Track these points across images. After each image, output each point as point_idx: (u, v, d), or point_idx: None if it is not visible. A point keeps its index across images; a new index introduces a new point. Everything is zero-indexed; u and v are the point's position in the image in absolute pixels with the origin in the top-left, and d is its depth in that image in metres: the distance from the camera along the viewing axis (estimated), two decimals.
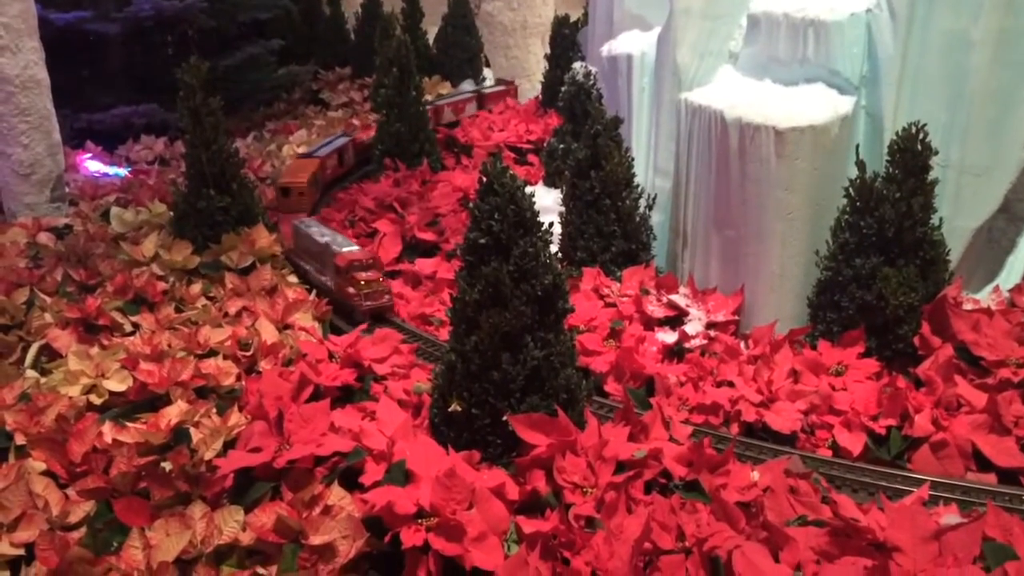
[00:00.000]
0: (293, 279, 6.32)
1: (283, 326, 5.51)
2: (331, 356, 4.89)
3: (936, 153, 4.80)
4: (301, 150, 9.64)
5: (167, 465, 4.04)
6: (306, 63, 13.62)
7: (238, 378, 4.93)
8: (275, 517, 3.51)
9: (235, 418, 4.37)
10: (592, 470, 3.70)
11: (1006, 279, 5.52)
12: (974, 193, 5.32)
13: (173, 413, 4.41)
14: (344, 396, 4.58)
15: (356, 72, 13.09)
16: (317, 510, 3.56)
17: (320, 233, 6.16)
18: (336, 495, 3.61)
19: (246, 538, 3.57)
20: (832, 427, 4.33)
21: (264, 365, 4.99)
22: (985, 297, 5.18)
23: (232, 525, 3.61)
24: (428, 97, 10.80)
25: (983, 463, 3.99)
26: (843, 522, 3.27)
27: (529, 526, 3.40)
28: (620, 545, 3.19)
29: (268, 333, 5.24)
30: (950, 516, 3.33)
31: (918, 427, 4.14)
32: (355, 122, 10.63)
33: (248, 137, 11.00)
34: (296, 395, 4.37)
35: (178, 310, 5.78)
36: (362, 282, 5.57)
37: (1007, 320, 4.79)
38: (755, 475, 3.73)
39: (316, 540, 3.40)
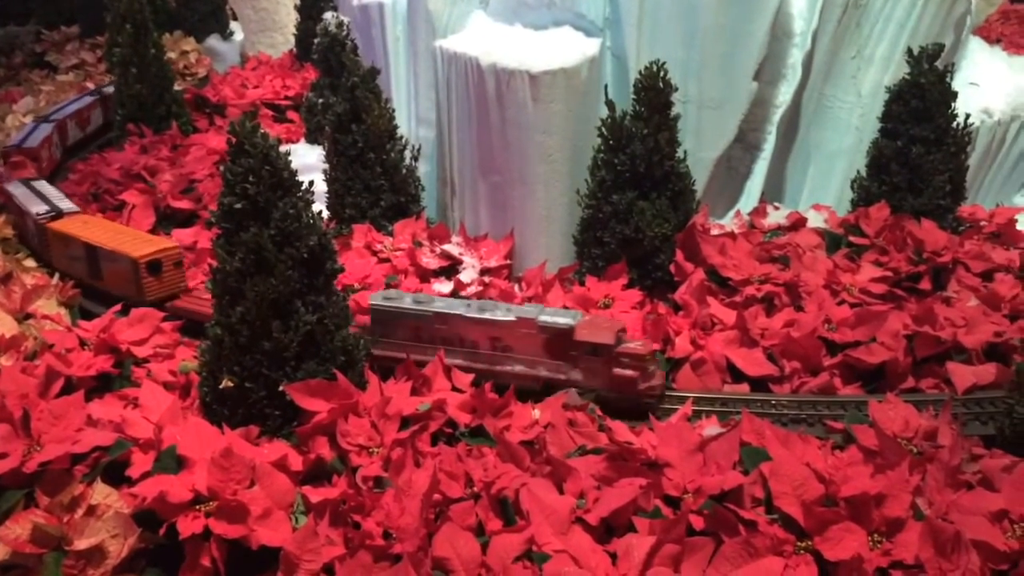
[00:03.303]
0: (30, 263, 5.71)
1: (23, 316, 4.98)
2: (83, 344, 4.48)
3: (676, 89, 5.07)
4: (28, 120, 8.69)
5: None
6: (26, 23, 12.21)
7: None
8: (31, 526, 3.19)
9: None
10: (377, 429, 3.66)
11: (745, 203, 5.99)
12: (712, 125, 5.70)
13: None
14: (102, 385, 4.22)
15: (85, 30, 11.91)
16: (79, 512, 3.26)
17: (491, 306, 4.23)
18: (100, 493, 3.32)
19: None
20: None
21: (3, 361, 4.48)
22: (729, 222, 5.60)
23: None
24: (171, 55, 10.04)
25: (737, 375, 4.34)
26: (618, 446, 3.45)
27: (316, 495, 3.32)
28: (410, 501, 3.18)
29: (5, 326, 4.71)
30: (711, 428, 3.61)
31: (679, 348, 4.42)
32: (88, 84, 9.72)
33: None
34: (44, 391, 3.97)
35: None
36: (647, 356, 3.98)
37: (748, 241, 5.22)
38: (536, 413, 3.85)
39: (81, 544, 3.13)
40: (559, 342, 4.03)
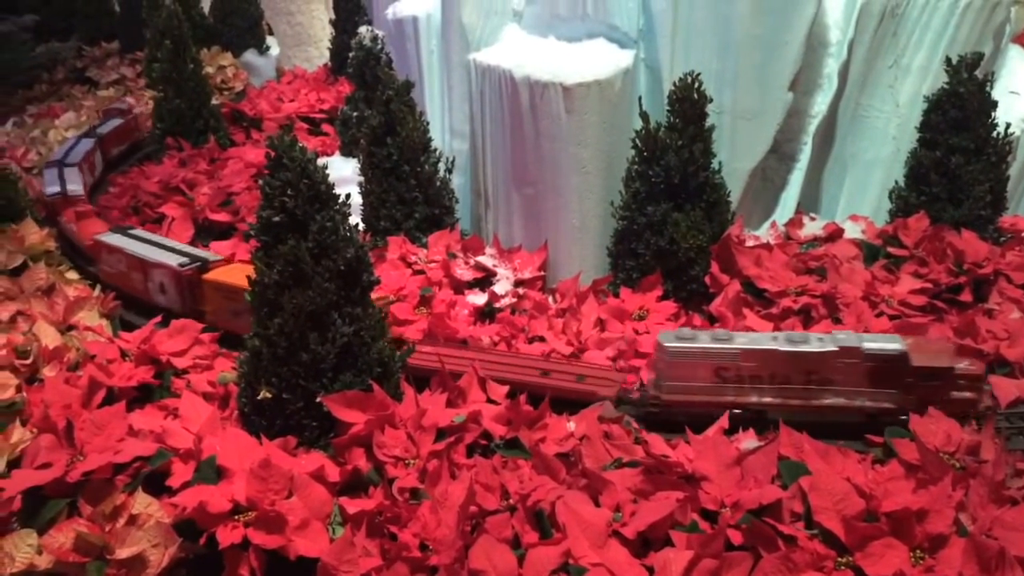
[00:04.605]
0: (72, 275, 5.81)
1: (66, 327, 5.07)
2: (124, 355, 4.56)
3: (711, 100, 5.06)
4: (70, 134, 8.86)
5: None
6: (67, 39, 12.48)
7: (18, 390, 4.48)
8: (74, 535, 3.25)
9: (19, 434, 3.97)
10: (413, 441, 3.67)
11: (781, 214, 5.95)
12: (747, 136, 5.67)
13: None
14: (143, 396, 4.28)
15: (125, 46, 12.15)
16: (121, 521, 3.31)
17: (800, 338, 3.91)
18: (141, 503, 3.38)
19: (43, 562, 3.28)
20: (639, 369, 4.51)
21: (47, 372, 4.57)
22: (764, 233, 5.55)
23: (26, 550, 3.31)
24: (209, 70, 10.19)
25: None
26: (655, 460, 3.43)
27: (353, 506, 3.34)
28: (446, 513, 3.19)
29: (49, 337, 4.80)
30: (748, 441, 3.58)
31: None
32: (129, 99, 9.89)
33: (7, 123, 9.99)
34: (87, 401, 4.05)
35: None
36: (982, 376, 3.85)
37: (784, 253, 5.18)
38: (571, 425, 3.84)
39: (123, 553, 3.18)
40: (888, 369, 3.78)
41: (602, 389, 4.14)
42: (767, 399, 3.92)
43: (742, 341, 3.93)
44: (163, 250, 5.49)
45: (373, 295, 4.27)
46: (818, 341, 3.86)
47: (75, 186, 6.98)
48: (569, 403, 4.05)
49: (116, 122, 8.70)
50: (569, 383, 4.20)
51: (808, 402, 3.90)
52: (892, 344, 3.81)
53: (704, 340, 3.93)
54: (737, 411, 3.91)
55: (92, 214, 6.53)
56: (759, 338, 3.99)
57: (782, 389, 3.90)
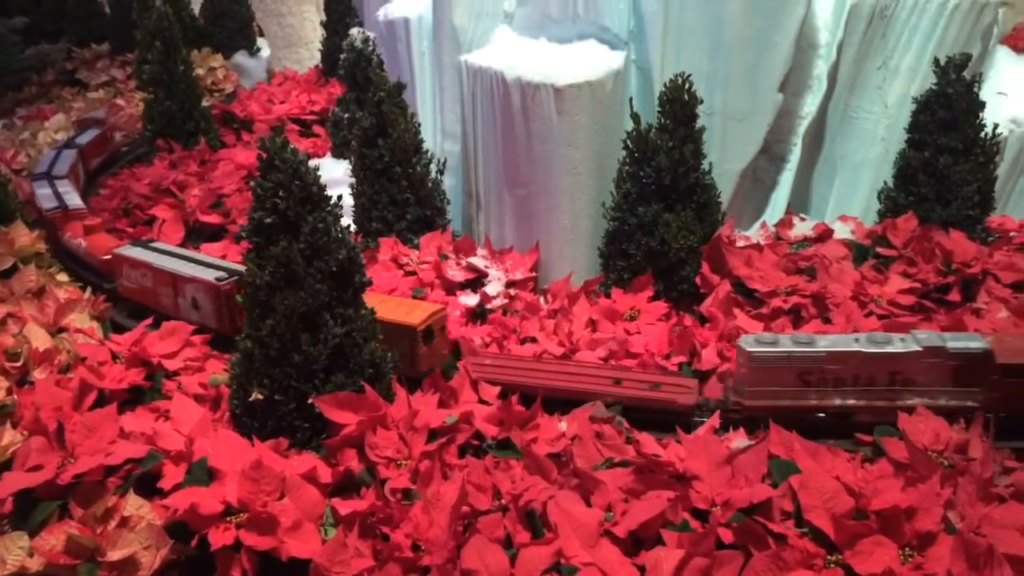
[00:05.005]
0: (63, 277, 5.79)
1: (56, 330, 5.06)
2: (115, 357, 4.55)
3: (701, 101, 5.07)
4: (60, 136, 8.84)
5: None
6: (57, 41, 12.44)
7: (9, 392, 4.47)
8: (65, 537, 3.24)
9: (9, 436, 3.98)
10: (405, 442, 3.68)
11: (771, 215, 5.98)
12: (738, 137, 5.70)
13: None
14: (134, 398, 4.28)
15: (115, 48, 12.12)
16: (112, 523, 3.31)
17: (883, 338, 3.87)
18: (133, 505, 3.38)
19: (34, 564, 3.28)
20: (630, 370, 4.53)
21: (38, 374, 4.56)
22: (754, 233, 5.58)
23: (16, 553, 3.30)
24: (200, 71, 10.16)
25: None
26: (646, 459, 3.45)
27: (345, 507, 3.34)
28: (438, 513, 3.20)
29: (39, 339, 4.79)
30: (739, 440, 3.60)
31: (705, 361, 4.41)
32: (120, 102, 9.86)
33: None
34: (78, 403, 4.04)
35: None
36: None
37: (775, 253, 5.20)
38: (563, 425, 3.85)
39: (114, 556, 3.18)
40: (972, 368, 3.77)
41: (681, 397, 4.08)
42: (851, 401, 3.88)
43: (825, 344, 3.88)
44: (193, 264, 5.19)
45: (429, 308, 4.44)
46: (900, 341, 3.84)
47: (74, 199, 6.68)
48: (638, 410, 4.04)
49: (93, 132, 8.51)
50: (644, 392, 4.14)
51: (892, 403, 3.84)
52: (976, 342, 3.79)
53: (787, 344, 3.89)
54: (821, 415, 3.88)
55: (101, 227, 6.28)
56: (842, 340, 3.95)
57: (866, 391, 3.86)
